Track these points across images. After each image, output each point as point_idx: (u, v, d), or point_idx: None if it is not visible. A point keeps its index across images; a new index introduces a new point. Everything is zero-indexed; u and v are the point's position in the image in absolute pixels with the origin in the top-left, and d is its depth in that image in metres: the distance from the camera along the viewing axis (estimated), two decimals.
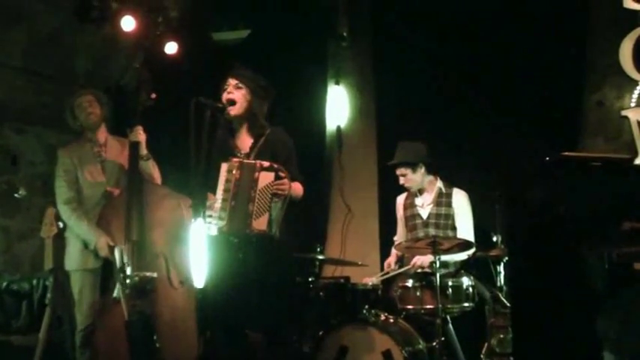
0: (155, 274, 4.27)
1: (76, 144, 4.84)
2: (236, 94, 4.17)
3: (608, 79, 5.67)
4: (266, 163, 4.02)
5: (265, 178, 3.99)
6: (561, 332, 3.34)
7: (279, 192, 4.01)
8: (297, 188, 4.20)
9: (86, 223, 4.54)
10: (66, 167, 4.71)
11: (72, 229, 4.63)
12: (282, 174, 4.02)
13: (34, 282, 5.52)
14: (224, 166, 4.05)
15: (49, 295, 4.87)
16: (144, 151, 4.65)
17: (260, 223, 3.96)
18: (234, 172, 4.01)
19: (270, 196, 3.98)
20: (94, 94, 4.86)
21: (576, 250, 3.32)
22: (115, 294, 4.25)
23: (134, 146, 4.60)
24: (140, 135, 4.62)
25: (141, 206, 4.41)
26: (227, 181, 4.01)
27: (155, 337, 4.14)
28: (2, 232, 6.41)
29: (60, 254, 4.77)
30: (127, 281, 4.19)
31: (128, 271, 4.24)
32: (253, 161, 4.04)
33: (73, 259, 4.65)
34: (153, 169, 4.72)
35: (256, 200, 3.96)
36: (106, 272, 4.45)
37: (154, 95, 4.66)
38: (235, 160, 4.07)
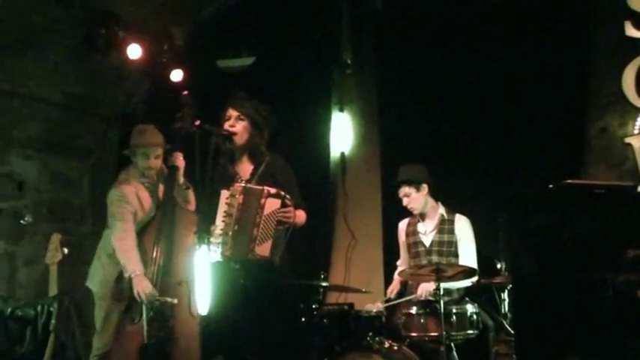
0: (176, 301, 4.26)
1: (133, 185, 4.73)
2: (238, 127, 4.20)
3: (611, 106, 5.68)
4: (273, 190, 4.03)
5: (271, 205, 4.00)
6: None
7: (284, 219, 4.03)
8: (301, 215, 4.22)
9: (137, 253, 4.47)
10: (128, 208, 4.61)
11: (117, 252, 4.53)
12: (288, 202, 4.04)
13: (39, 308, 5.49)
14: (225, 193, 4.07)
15: (53, 321, 4.86)
16: (181, 179, 4.62)
17: (263, 249, 3.97)
18: (237, 196, 4.03)
19: (275, 222, 3.99)
20: (163, 147, 4.71)
21: (580, 278, 3.32)
22: (137, 320, 4.25)
23: (172, 171, 4.59)
24: (179, 161, 4.58)
25: (171, 231, 4.42)
26: (229, 206, 4.03)
27: None
28: (7, 257, 6.41)
29: (65, 280, 4.77)
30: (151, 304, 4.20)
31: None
32: (260, 187, 4.05)
33: (105, 285, 4.64)
34: (190, 199, 4.70)
35: (261, 226, 3.97)
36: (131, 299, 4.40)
37: (198, 122, 4.58)
38: (238, 185, 4.09)
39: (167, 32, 6.58)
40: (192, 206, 4.71)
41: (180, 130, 4.55)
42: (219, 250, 4.00)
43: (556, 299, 3.36)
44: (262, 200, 4.00)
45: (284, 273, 4.20)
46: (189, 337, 4.30)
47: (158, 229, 4.43)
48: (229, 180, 4.20)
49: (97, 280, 4.74)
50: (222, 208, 4.06)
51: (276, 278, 4.11)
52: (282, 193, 4.05)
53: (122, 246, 4.48)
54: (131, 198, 4.64)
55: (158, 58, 6.42)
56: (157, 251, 4.38)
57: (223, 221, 4.02)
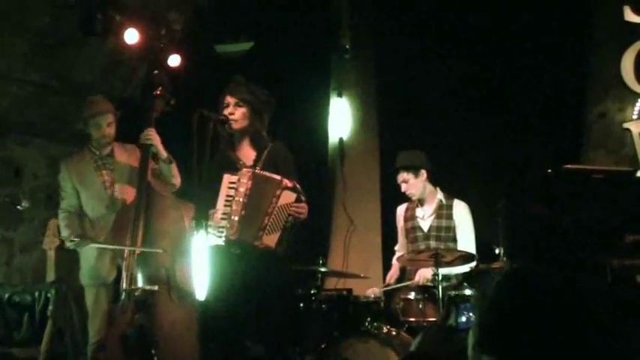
0: (156, 287, 4.21)
1: (77, 157, 4.85)
2: (237, 114, 4.16)
3: (610, 91, 5.68)
4: (290, 183, 4.01)
5: (287, 198, 3.99)
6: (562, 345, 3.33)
7: (296, 214, 4.01)
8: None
9: (66, 224, 4.66)
10: (64, 182, 4.77)
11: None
12: (302, 198, 4.03)
13: (36, 294, 5.49)
14: (228, 177, 4.04)
15: (50, 308, 4.86)
16: (164, 154, 4.57)
17: (270, 240, 3.95)
18: (245, 181, 4.00)
19: (286, 215, 3.98)
20: (114, 114, 4.81)
21: (578, 263, 3.31)
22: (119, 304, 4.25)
23: (145, 150, 4.53)
24: (153, 138, 4.53)
25: (147, 216, 4.37)
26: (235, 190, 4.00)
27: (153, 351, 4.13)
28: (5, 243, 6.41)
29: (62, 266, 4.77)
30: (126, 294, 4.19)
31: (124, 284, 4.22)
32: (279, 177, 4.03)
33: (85, 274, 4.67)
34: (175, 172, 4.66)
35: (273, 215, 3.95)
36: (118, 285, 4.38)
37: (173, 102, 4.61)
38: (247, 170, 4.06)
39: (165, 17, 6.53)
40: (177, 180, 4.69)
41: (153, 109, 4.58)
42: (223, 233, 3.97)
43: (554, 285, 3.36)
44: (278, 191, 3.98)
45: (284, 261, 4.17)
46: (174, 323, 4.25)
47: (134, 217, 4.33)
48: (231, 165, 4.17)
49: (81, 268, 4.75)
50: (224, 192, 4.03)
51: (277, 267, 4.09)
52: (299, 187, 4.03)
53: (61, 221, 4.72)
54: (71, 173, 4.75)
55: (156, 42, 6.37)
56: (132, 238, 4.29)
57: (227, 205, 4.00)
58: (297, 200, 4.02)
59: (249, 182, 4.00)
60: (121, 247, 4.30)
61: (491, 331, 1.56)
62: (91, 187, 4.73)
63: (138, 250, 4.22)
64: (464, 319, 1.99)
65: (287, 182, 4.01)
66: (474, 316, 1.86)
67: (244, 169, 4.07)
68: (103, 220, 4.67)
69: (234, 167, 4.13)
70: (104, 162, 4.79)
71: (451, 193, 5.32)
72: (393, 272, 5.41)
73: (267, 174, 4.06)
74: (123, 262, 4.25)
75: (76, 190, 4.75)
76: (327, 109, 6.90)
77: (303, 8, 6.66)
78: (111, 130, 4.77)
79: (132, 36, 6.18)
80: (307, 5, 6.67)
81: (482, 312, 1.61)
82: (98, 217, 4.71)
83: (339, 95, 6.84)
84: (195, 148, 4.19)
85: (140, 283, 4.23)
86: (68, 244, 4.55)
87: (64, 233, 4.63)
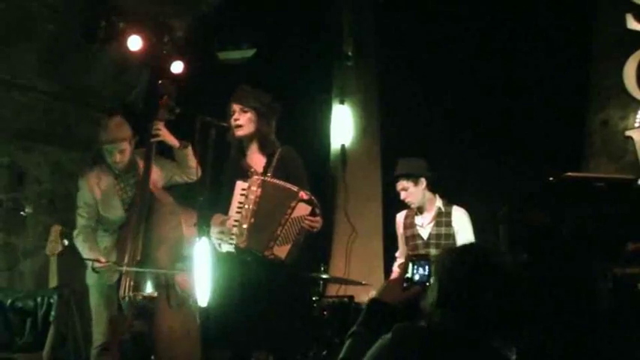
0: (156, 294, 4.23)
1: (97, 172, 4.68)
2: (242, 119, 4.15)
3: (612, 99, 5.68)
4: (306, 196, 3.98)
5: (302, 210, 3.95)
6: (564, 352, 3.33)
7: (309, 227, 3.99)
8: None
9: (88, 246, 4.51)
10: (86, 200, 4.62)
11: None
12: (317, 211, 4.01)
13: (39, 299, 5.51)
14: (240, 184, 4.04)
15: (53, 313, 4.87)
16: (176, 143, 4.50)
17: (281, 251, 3.92)
18: (253, 188, 3.99)
19: (299, 227, 3.94)
20: (130, 141, 4.58)
21: (580, 270, 3.32)
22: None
23: (149, 150, 4.48)
24: (161, 131, 4.47)
25: (148, 224, 4.35)
26: (245, 197, 4.00)
27: (152, 358, 4.13)
28: (8, 249, 6.41)
29: (64, 272, 4.77)
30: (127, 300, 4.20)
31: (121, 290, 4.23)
32: (296, 189, 4.00)
33: (91, 275, 4.62)
34: (192, 157, 4.53)
35: (286, 226, 3.93)
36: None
37: (177, 110, 4.57)
38: (257, 177, 4.05)
39: (167, 24, 6.56)
40: (193, 170, 4.55)
41: (155, 117, 4.53)
42: (234, 240, 3.96)
43: (555, 292, 3.36)
44: (294, 203, 3.95)
45: (293, 271, 4.15)
46: (173, 330, 4.26)
47: (135, 224, 4.33)
48: (242, 172, 4.15)
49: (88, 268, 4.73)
50: (236, 198, 4.01)
51: (286, 277, 4.07)
52: (315, 200, 4.01)
53: (77, 242, 4.56)
54: (92, 188, 4.62)
55: (158, 49, 6.40)
56: (133, 244, 4.29)
57: (238, 212, 3.99)
58: (312, 213, 3.97)
59: (259, 190, 3.98)
60: (142, 270, 4.27)
61: (447, 292, 2.10)
62: (111, 205, 4.61)
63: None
64: (417, 277, 2.37)
65: (304, 194, 3.96)
66: (425, 273, 2.43)
67: (254, 177, 4.05)
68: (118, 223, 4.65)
69: (245, 174, 4.12)
70: (123, 178, 4.67)
71: (450, 200, 5.31)
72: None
73: (283, 183, 4.03)
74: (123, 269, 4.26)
75: (96, 202, 4.60)
76: (329, 116, 6.92)
77: (306, 15, 6.68)
78: (123, 157, 4.56)
79: (135, 43, 6.21)
80: (309, 12, 6.69)
81: (442, 278, 2.15)
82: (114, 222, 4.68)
83: (341, 102, 6.86)
84: (197, 155, 4.21)
85: (139, 290, 4.23)
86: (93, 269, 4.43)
87: (86, 255, 4.48)
